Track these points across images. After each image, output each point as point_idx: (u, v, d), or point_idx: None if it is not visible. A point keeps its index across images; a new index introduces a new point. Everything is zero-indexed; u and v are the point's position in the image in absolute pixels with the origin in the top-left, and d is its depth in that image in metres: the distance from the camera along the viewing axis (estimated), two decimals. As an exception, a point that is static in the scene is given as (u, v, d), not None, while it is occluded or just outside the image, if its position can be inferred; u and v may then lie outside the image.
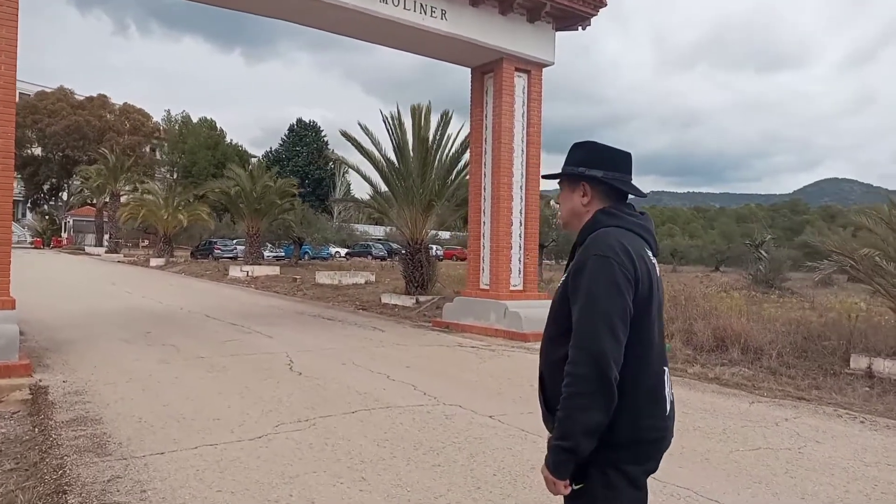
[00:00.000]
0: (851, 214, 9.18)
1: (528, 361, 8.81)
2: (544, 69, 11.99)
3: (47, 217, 62.73)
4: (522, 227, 11.70)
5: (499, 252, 11.31)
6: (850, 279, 27.73)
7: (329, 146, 66.77)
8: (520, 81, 11.68)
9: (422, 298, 15.85)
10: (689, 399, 6.95)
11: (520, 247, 11.66)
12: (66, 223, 61.89)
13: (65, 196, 64.38)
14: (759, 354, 9.33)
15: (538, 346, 10.91)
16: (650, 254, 1.84)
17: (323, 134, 66.55)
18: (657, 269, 1.86)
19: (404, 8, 10.09)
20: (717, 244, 53.46)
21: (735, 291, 18.71)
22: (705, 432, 5.59)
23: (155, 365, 7.66)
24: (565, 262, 1.97)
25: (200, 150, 57.03)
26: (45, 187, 62.47)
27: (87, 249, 49.95)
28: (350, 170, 20.62)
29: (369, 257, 47.89)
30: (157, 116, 66.37)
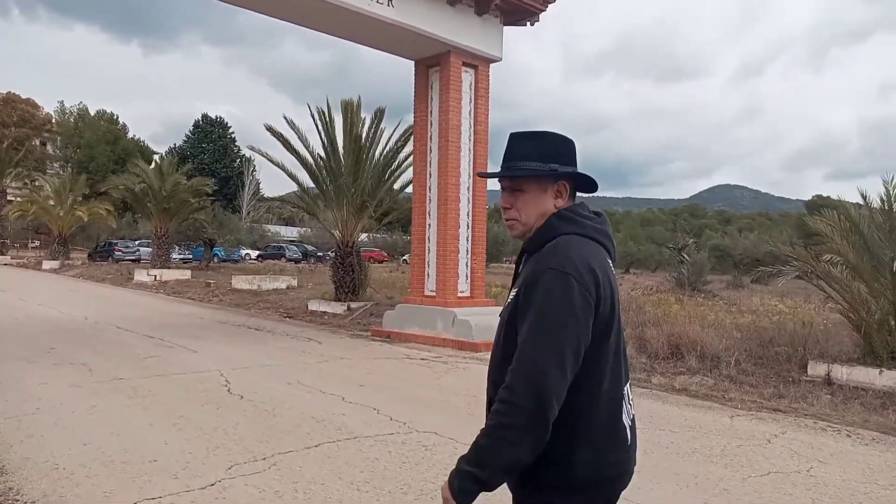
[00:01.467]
0: (810, 220, 9.16)
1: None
2: (491, 65, 11.45)
3: (-82, 215, 56.77)
4: (470, 230, 11.11)
5: (446, 256, 10.67)
6: (753, 281, 29.11)
7: (237, 143, 64.24)
8: (467, 77, 11.10)
9: (353, 305, 15.00)
10: (667, 414, 6.57)
11: (467, 251, 11.07)
12: (-59, 222, 56.18)
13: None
14: (716, 362, 9.15)
15: None
16: (610, 261, 1.63)
17: (230, 130, 63.94)
18: (615, 277, 1.64)
19: (349, -9, 9.29)
20: (627, 247, 55.10)
21: (661, 294, 18.96)
22: (706, 455, 5.16)
23: (66, 390, 6.52)
24: (513, 272, 1.74)
25: (99, 144, 53.28)
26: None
27: (-32, 251, 45.47)
28: (258, 168, 19.47)
29: (283, 259, 46.20)
30: (49, 108, 61.60)
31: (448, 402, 6.73)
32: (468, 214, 11.10)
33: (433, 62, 11.12)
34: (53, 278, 25.63)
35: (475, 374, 8.32)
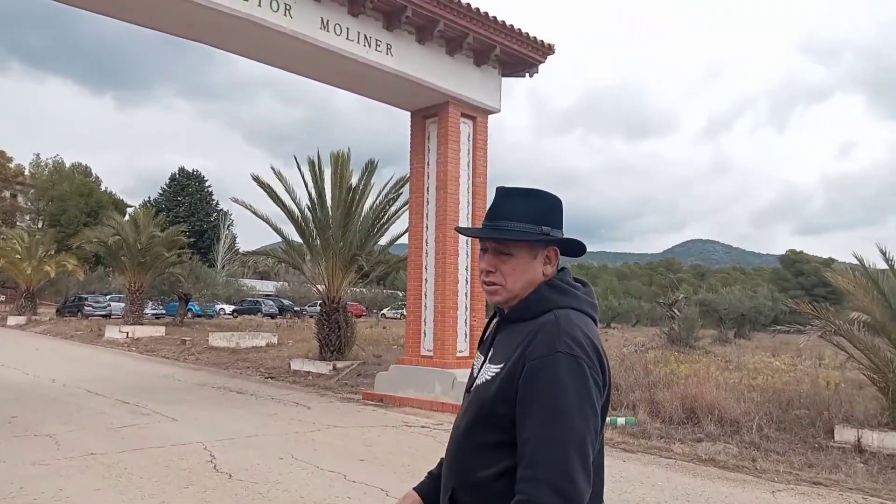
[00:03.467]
0: (833, 276, 8.79)
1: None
2: (489, 116, 11.15)
3: None
4: (469, 286, 10.57)
5: (444, 313, 10.08)
6: (736, 335, 28.85)
7: (214, 196, 63.62)
8: (465, 128, 10.75)
9: (339, 364, 14.23)
10: (704, 491, 5.98)
11: (466, 307, 10.50)
12: None
13: None
14: (735, 427, 8.60)
15: None
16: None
17: (207, 184, 63.37)
18: None
19: (347, 38, 8.95)
20: (608, 301, 54.90)
21: (656, 351, 18.47)
22: (767, 544, 4.56)
23: (28, 469, 5.72)
24: (481, 338, 1.61)
25: (72, 197, 52.25)
26: None
27: (-72, 305, 43.66)
28: (235, 222, 18.91)
29: (259, 315, 45.09)
30: (24, 160, 60.67)
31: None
32: (467, 269, 10.58)
33: (430, 113, 10.77)
34: (19, 335, 24.41)
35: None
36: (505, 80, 11.27)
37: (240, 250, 61.94)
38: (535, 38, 10.88)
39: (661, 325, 22.04)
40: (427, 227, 10.68)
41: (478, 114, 10.89)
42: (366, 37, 9.16)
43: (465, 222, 10.62)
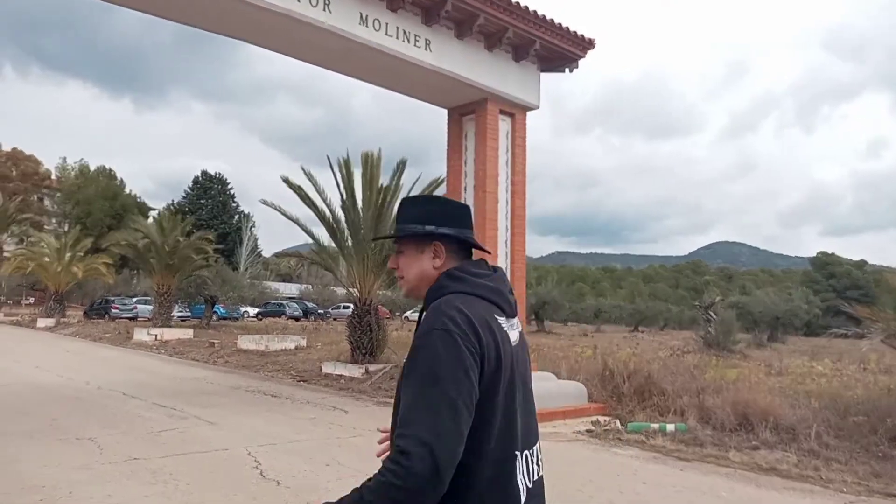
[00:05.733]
0: (892, 277, 8.44)
1: (553, 454, 7.30)
2: (528, 113, 10.89)
3: None
4: (508, 288, 10.31)
5: (484, 316, 9.83)
6: (768, 338, 28.20)
7: (235, 199, 64.01)
8: (504, 125, 10.51)
9: (372, 368, 14.02)
10: (772, 502, 5.68)
11: (506, 310, 10.23)
12: (-67, 278, 55.14)
13: (-66, 248, 57.68)
14: (791, 434, 8.25)
15: (544, 429, 8.88)
16: (501, 319, 1.57)
17: (229, 186, 63.78)
18: (515, 332, 1.60)
19: (386, 34, 8.75)
20: (635, 304, 54.22)
21: (693, 355, 18.05)
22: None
23: (74, 473, 5.58)
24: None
25: (97, 200, 52.80)
26: None
27: (-41, 308, 44.34)
28: (257, 224, 18.80)
29: (283, 317, 45.17)
30: (50, 164, 61.53)
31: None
32: (507, 270, 10.32)
33: (468, 110, 10.54)
34: (49, 338, 24.55)
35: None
36: (555, 75, 11.01)
37: (261, 253, 62.34)
38: (574, 32, 10.61)
39: (695, 329, 21.62)
40: (465, 227, 10.43)
41: (516, 110, 10.64)
42: (405, 32, 8.96)
43: (503, 222, 10.37)
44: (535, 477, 1.60)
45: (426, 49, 9.19)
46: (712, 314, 20.22)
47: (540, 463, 1.64)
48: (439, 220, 1.66)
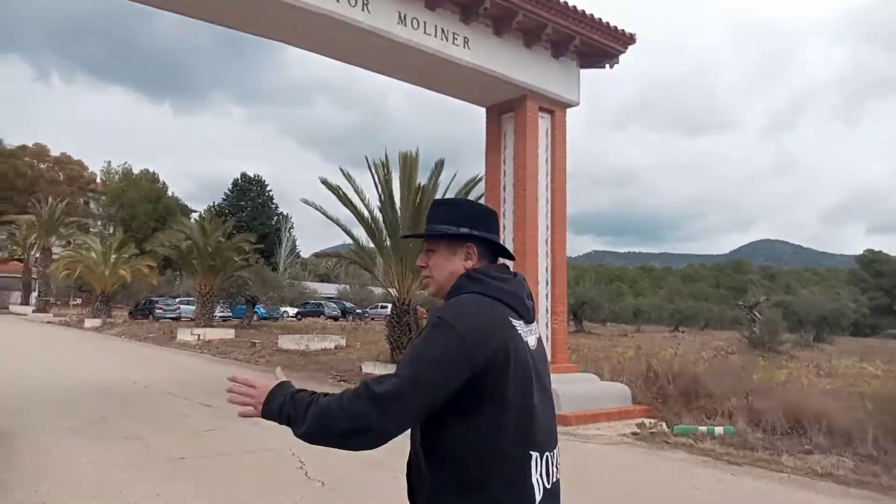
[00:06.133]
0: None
1: (600, 458, 7.18)
2: (568, 110, 10.74)
3: (-34, 273, 57.90)
4: (549, 288, 10.18)
5: (525, 316, 9.71)
6: (814, 338, 27.34)
7: (274, 201, 64.80)
8: (543, 123, 10.38)
9: (411, 367, 14.03)
10: (832, 509, 5.46)
11: (547, 310, 10.11)
12: (-13, 280, 57.16)
13: (-12, 250, 59.77)
14: (846, 438, 7.95)
15: (587, 431, 8.29)
16: (517, 323, 1.64)
17: (268, 188, 64.60)
18: (532, 337, 1.69)
19: (424, 33, 8.71)
20: (674, 304, 53.29)
21: (737, 356, 17.61)
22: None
23: (122, 472, 5.65)
24: None
25: (141, 203, 54.05)
26: (-34, 241, 57.85)
27: (12, 308, 45.94)
28: (295, 226, 18.97)
29: (322, 317, 45.58)
30: (92, 167, 63.18)
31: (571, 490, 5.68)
32: (547, 270, 10.20)
33: (507, 108, 10.44)
34: (96, 338, 25.18)
35: (579, 455, 7.25)
36: (590, 71, 10.84)
37: (300, 253, 63.05)
38: (615, 27, 10.43)
39: (739, 329, 21.09)
40: (504, 227, 10.33)
41: (556, 108, 10.50)
42: (443, 30, 8.91)
43: (544, 221, 10.24)
44: (554, 479, 1.65)
45: (465, 47, 9.12)
46: (757, 314, 19.70)
47: (558, 466, 1.68)
48: (472, 223, 1.73)
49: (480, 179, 15.13)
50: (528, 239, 9.87)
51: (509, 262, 1.87)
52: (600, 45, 10.33)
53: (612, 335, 33.07)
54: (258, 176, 64.15)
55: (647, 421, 9.23)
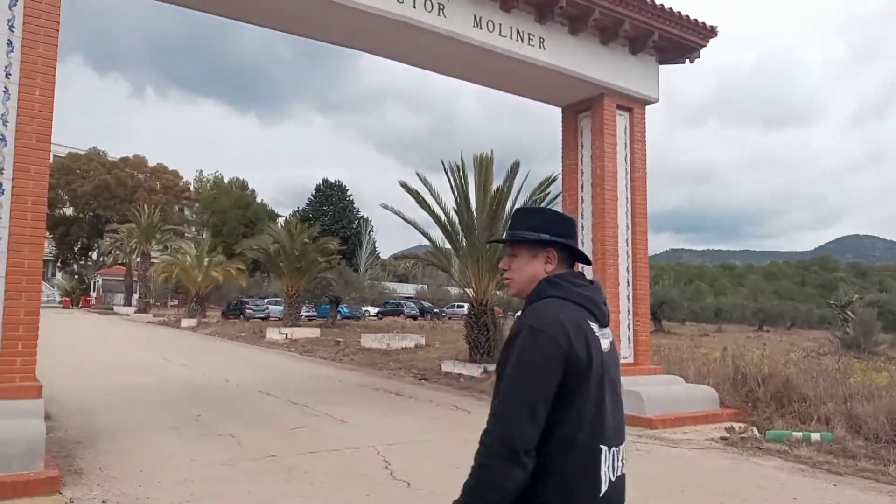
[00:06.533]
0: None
1: (688, 463, 7.00)
2: (646, 107, 10.51)
3: (76, 276, 62.21)
4: (630, 288, 9.99)
5: (606, 317, 9.56)
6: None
7: (355, 205, 66.20)
8: (621, 121, 10.19)
9: (490, 367, 14.03)
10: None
11: (629, 311, 9.93)
12: (95, 283, 61.24)
13: (94, 255, 64.02)
14: (959, 447, 7.42)
15: (674, 435, 7.97)
16: (594, 326, 1.78)
17: (349, 193, 66.04)
18: (606, 341, 1.82)
19: (500, 34, 8.73)
20: (758, 303, 51.03)
21: (828, 357, 16.69)
22: None
23: (217, 470, 5.97)
24: None
25: (232, 209, 56.50)
26: (76, 247, 62.16)
27: (116, 309, 49.02)
28: (375, 229, 19.29)
29: (401, 316, 46.32)
30: (187, 177, 66.49)
31: (659, 495, 5.58)
32: (628, 270, 10.01)
33: (583, 107, 10.32)
34: (192, 337, 26.54)
35: (666, 460, 7.09)
36: (664, 67, 10.56)
37: (379, 255, 64.22)
38: (695, 20, 10.10)
39: (828, 329, 19.95)
40: (582, 227, 10.21)
41: (634, 105, 10.29)
42: (518, 32, 8.89)
43: (623, 220, 10.06)
44: (619, 473, 1.79)
45: (540, 47, 9.08)
46: (849, 313, 18.57)
47: (624, 461, 1.83)
48: (552, 230, 1.87)
49: (555, 179, 15.02)
50: (608, 238, 9.71)
51: (589, 268, 2.01)
52: (680, 40, 10.04)
53: (692, 335, 32.05)
54: (339, 181, 65.72)
55: (736, 425, 8.92)
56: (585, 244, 10.16)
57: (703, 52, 10.43)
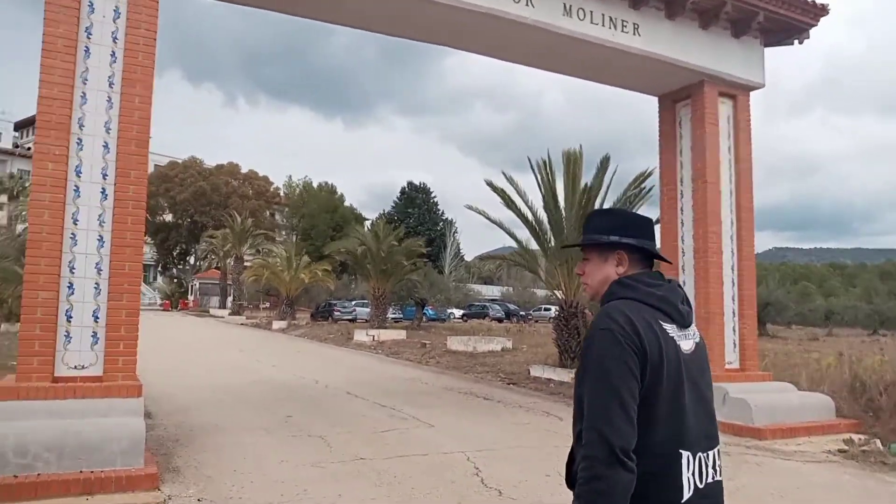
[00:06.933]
0: None
1: (803, 478, 6.41)
2: (751, 93, 9.82)
3: (175, 280, 65.59)
4: (736, 288, 9.34)
5: (709, 320, 8.97)
6: None
7: (439, 206, 66.58)
8: (724, 109, 9.57)
9: (581, 371, 13.58)
10: None
11: (734, 312, 9.28)
12: (192, 286, 64.37)
13: (192, 260, 67.31)
14: None
15: (785, 446, 7.10)
16: (669, 326, 1.74)
17: (433, 195, 66.49)
18: (689, 342, 1.78)
19: (591, 22, 8.33)
20: (874, 304, 47.60)
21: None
22: None
23: (307, 471, 5.90)
24: None
25: (320, 213, 58.02)
26: (175, 252, 65.54)
27: (212, 311, 51.17)
28: (457, 230, 19.07)
29: (487, 318, 46.07)
30: (277, 182, 68.80)
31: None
32: (733, 269, 9.36)
33: (682, 95, 9.75)
34: (282, 338, 27.26)
35: (779, 474, 6.51)
36: (767, 50, 9.84)
37: (464, 257, 64.31)
38: (804, -2, 9.35)
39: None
40: (682, 223, 9.65)
41: (738, 91, 9.62)
42: (611, 19, 8.47)
43: (728, 215, 9.42)
44: (710, 479, 1.72)
45: (635, 34, 8.61)
46: None
47: (717, 468, 1.76)
48: (623, 231, 1.85)
49: (650, 174, 14.36)
50: (710, 235, 9.11)
51: (673, 271, 1.78)
52: (787, 20, 9.30)
53: (800, 339, 30.28)
54: (423, 183, 66.36)
55: (855, 437, 8.16)
56: (686, 241, 9.60)
57: (813, 31, 9.64)
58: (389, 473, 5.87)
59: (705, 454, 1.72)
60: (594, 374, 1.63)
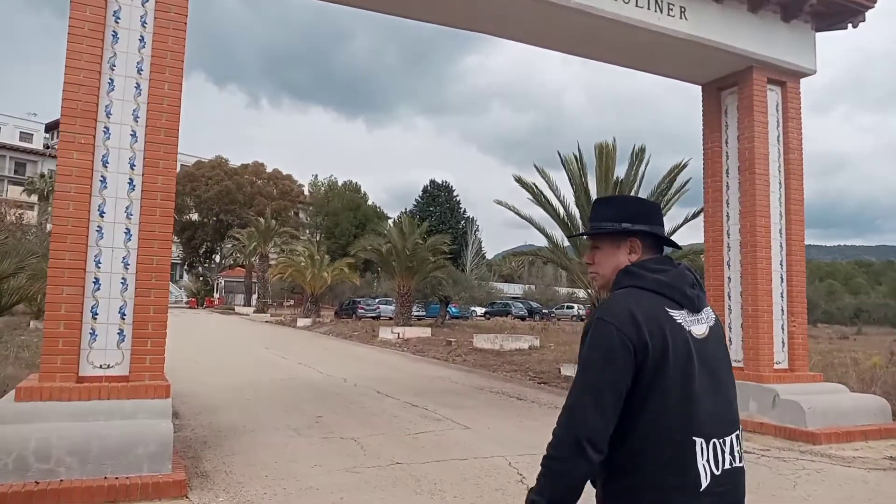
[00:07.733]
0: None
1: (870, 489, 5.97)
2: (802, 80, 9.34)
3: (201, 278, 66.04)
4: (785, 285, 8.87)
5: (756, 317, 8.52)
6: None
7: (461, 205, 66.22)
8: (772, 96, 9.10)
9: (615, 371, 13.18)
10: None
11: (783, 310, 8.82)
12: (218, 284, 64.76)
13: (217, 258, 67.74)
14: None
15: (842, 452, 6.45)
16: (676, 312, 1.69)
17: (455, 194, 66.14)
18: (702, 325, 1.72)
19: (636, 5, 7.91)
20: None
21: None
22: None
23: (342, 477, 5.59)
24: None
25: (343, 212, 58.04)
26: (201, 250, 66.02)
27: (237, 309, 51.41)
28: (480, 228, 18.68)
29: (510, 317, 45.69)
30: (301, 181, 68.96)
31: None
32: (781, 264, 8.89)
33: (727, 83, 9.30)
34: (307, 336, 27.11)
35: (842, 482, 6.08)
36: (853, 29, 9.31)
37: (485, 255, 63.90)
38: (859, -21, 8.85)
39: None
40: (727, 216, 9.20)
41: (787, 78, 9.15)
42: (656, 1, 8.04)
43: (777, 207, 8.96)
44: (727, 466, 1.66)
45: (681, 17, 8.18)
46: None
47: (736, 454, 1.69)
48: (634, 218, 1.80)
49: (685, 166, 13.95)
50: (759, 229, 8.65)
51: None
52: (840, 3, 8.81)
53: (829, 337, 29.54)
54: (446, 182, 66.07)
55: (917, 443, 7.68)
56: (731, 235, 9.15)
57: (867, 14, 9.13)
58: (428, 480, 5.54)
59: (721, 440, 1.66)
60: (581, 363, 1.65)
